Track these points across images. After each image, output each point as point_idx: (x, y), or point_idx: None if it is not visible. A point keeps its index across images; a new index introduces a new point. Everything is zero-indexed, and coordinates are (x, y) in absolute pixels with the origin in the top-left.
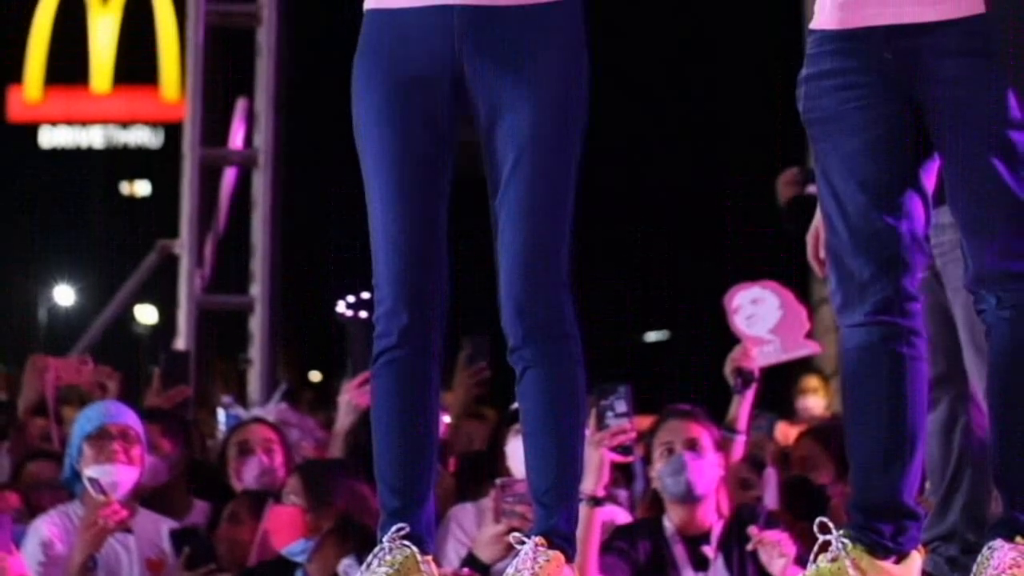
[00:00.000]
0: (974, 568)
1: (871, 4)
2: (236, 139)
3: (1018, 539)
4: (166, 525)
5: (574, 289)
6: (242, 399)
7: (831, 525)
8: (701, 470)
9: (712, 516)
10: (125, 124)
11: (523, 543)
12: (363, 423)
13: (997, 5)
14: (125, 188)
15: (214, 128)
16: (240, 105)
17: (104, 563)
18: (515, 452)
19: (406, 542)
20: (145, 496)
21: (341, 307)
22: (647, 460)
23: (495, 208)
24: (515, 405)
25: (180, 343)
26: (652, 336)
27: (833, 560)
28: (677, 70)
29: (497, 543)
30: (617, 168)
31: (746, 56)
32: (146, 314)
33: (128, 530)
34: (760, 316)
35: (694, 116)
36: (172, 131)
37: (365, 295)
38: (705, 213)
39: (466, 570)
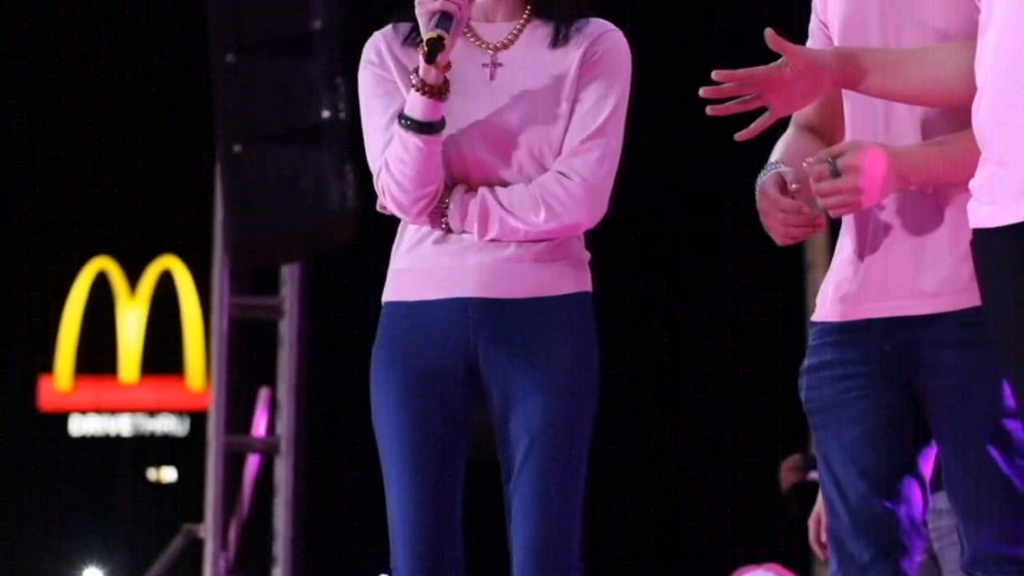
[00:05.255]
0: None
1: (871, 298)
2: (259, 427)
3: None
4: None
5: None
6: None
7: None
8: None
9: None
10: (152, 413)
11: None
12: None
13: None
14: (152, 474)
15: (238, 416)
16: (263, 394)
17: None
18: None
19: None
20: None
21: None
22: None
23: (508, 493)
24: None
25: None
26: None
27: None
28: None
29: None
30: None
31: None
32: None
33: None
34: None
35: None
36: (197, 419)
37: None
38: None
39: None
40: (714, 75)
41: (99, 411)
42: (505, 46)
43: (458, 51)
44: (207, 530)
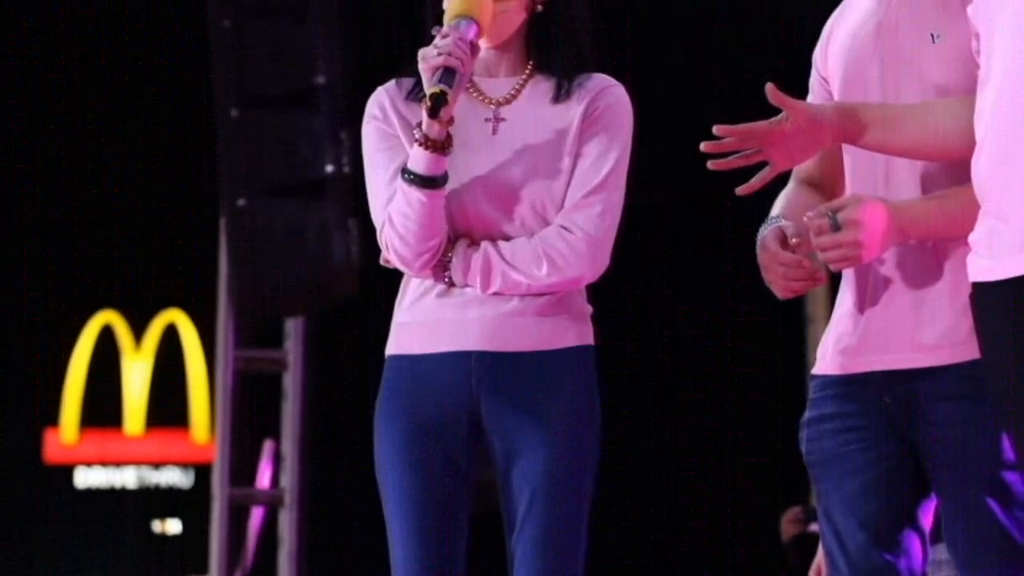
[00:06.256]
0: None
1: (871, 351)
2: (263, 479)
3: None
4: None
5: None
6: None
7: None
8: None
9: None
10: (157, 465)
11: None
12: None
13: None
14: (157, 526)
15: (242, 469)
16: (267, 447)
17: None
18: None
19: None
20: None
21: None
22: None
23: (511, 546)
24: None
25: None
26: None
27: None
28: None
29: None
30: None
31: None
32: None
33: None
34: None
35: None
36: (202, 472)
37: None
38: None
39: None
40: (715, 130)
41: (104, 464)
42: (508, 101)
43: (461, 106)
44: None
